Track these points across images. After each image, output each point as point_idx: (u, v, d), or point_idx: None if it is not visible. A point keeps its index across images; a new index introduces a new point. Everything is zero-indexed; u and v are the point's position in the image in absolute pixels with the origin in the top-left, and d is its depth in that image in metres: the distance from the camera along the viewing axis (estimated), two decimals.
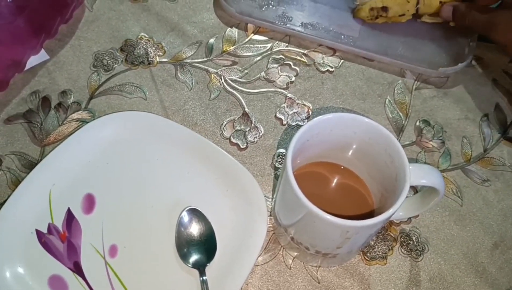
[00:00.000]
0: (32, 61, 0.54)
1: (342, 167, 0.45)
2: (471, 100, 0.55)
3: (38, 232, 0.44)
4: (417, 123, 0.53)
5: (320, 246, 0.41)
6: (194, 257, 0.43)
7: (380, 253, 0.46)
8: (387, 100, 0.55)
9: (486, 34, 0.51)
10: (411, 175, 0.38)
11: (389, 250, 0.46)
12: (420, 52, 0.58)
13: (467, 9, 0.53)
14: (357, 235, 0.39)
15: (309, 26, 0.59)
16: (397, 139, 0.51)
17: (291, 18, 0.59)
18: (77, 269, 0.43)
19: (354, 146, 0.42)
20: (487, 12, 0.51)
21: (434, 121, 0.54)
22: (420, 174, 0.39)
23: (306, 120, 0.52)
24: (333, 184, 0.45)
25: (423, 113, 0.54)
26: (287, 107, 0.53)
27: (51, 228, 0.45)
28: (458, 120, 0.54)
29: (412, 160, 0.51)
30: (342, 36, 0.58)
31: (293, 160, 0.39)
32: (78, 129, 0.50)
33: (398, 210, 0.37)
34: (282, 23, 0.59)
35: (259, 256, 0.45)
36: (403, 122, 0.53)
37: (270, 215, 0.47)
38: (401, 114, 0.54)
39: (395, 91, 0.55)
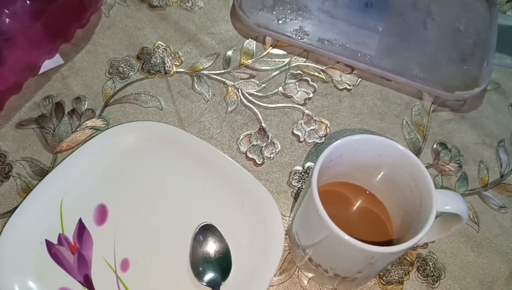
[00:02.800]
0: (47, 65, 0.52)
1: (367, 192, 0.43)
2: (488, 125, 0.54)
3: (48, 243, 0.42)
4: (434, 146, 0.52)
5: (340, 269, 0.39)
6: (209, 275, 0.41)
7: (397, 278, 0.44)
8: (404, 120, 0.53)
9: None
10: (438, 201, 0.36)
11: (405, 274, 0.44)
12: (436, 73, 0.56)
13: None
14: (381, 261, 0.37)
15: (326, 41, 0.57)
16: None
17: (308, 33, 0.58)
18: (87, 283, 0.41)
19: (380, 170, 0.40)
20: None
21: (451, 145, 0.52)
22: (445, 200, 0.37)
23: (323, 137, 0.51)
24: (355, 207, 0.43)
25: (440, 136, 0.53)
26: (304, 123, 0.51)
27: (61, 239, 0.42)
28: (475, 144, 0.53)
29: None
30: (359, 54, 0.57)
31: (319, 177, 0.37)
32: (92, 137, 0.47)
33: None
34: (299, 37, 0.57)
35: (274, 276, 0.43)
36: (421, 144, 0.52)
37: (286, 234, 0.44)
38: (418, 135, 0.52)
39: (413, 112, 0.54)
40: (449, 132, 0.53)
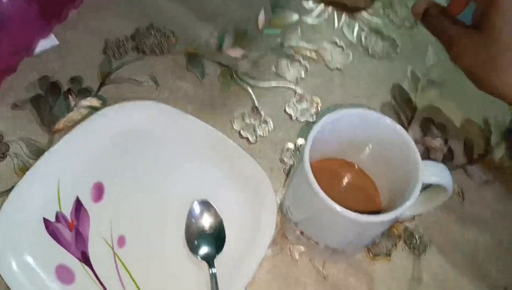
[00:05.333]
0: (41, 45, 0.50)
1: (356, 167, 0.42)
2: (475, 101, 0.53)
3: (45, 221, 0.41)
4: (422, 122, 0.51)
5: (330, 240, 0.39)
6: (203, 250, 0.40)
7: (384, 250, 0.44)
8: (393, 99, 0.52)
9: (446, 49, 0.40)
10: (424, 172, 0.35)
11: (393, 246, 0.44)
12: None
13: (438, 14, 0.40)
14: (370, 230, 0.36)
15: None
16: None
17: None
18: (85, 259, 0.40)
19: (370, 145, 0.40)
20: (455, 25, 0.39)
21: (438, 121, 0.51)
22: (431, 172, 0.37)
23: (315, 115, 0.49)
24: (344, 183, 0.42)
25: (427, 112, 0.52)
26: (296, 102, 0.50)
27: (59, 217, 0.41)
28: (461, 120, 0.52)
29: None
30: None
31: (310, 154, 0.36)
32: (88, 116, 0.46)
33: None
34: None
35: (267, 249, 0.42)
36: (409, 119, 0.51)
37: (279, 209, 0.44)
38: (406, 113, 0.51)
39: (402, 90, 0.53)
40: (436, 109, 0.52)
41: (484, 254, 0.45)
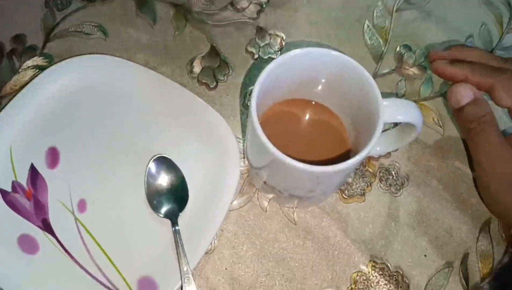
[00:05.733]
0: None
1: (313, 102, 0.39)
2: (455, 21, 0.48)
3: (1, 191, 0.40)
4: (398, 49, 0.46)
5: (292, 190, 0.36)
6: (165, 207, 0.39)
7: (358, 191, 0.41)
8: (365, 25, 0.47)
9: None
10: (386, 112, 0.32)
11: (367, 186, 0.42)
12: None
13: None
14: (329, 179, 0.34)
15: None
16: (376, 67, 0.45)
17: None
18: (46, 227, 0.39)
19: (323, 80, 0.36)
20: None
21: (416, 46, 0.47)
22: (396, 110, 0.33)
23: (279, 52, 0.45)
24: (305, 122, 0.39)
25: (404, 38, 0.47)
26: (258, 38, 0.46)
27: (15, 186, 0.40)
28: (441, 43, 0.47)
29: (391, 91, 0.44)
30: None
31: (259, 104, 0.33)
32: (35, 77, 0.43)
33: (374, 146, 0.32)
34: None
35: (233, 200, 0.40)
36: (383, 48, 0.46)
37: (244, 157, 0.41)
38: (380, 40, 0.47)
39: (374, 15, 0.47)
40: (413, 33, 0.47)
41: (464, 186, 0.42)
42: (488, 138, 0.37)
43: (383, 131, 0.32)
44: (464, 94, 0.38)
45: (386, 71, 0.45)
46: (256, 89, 0.32)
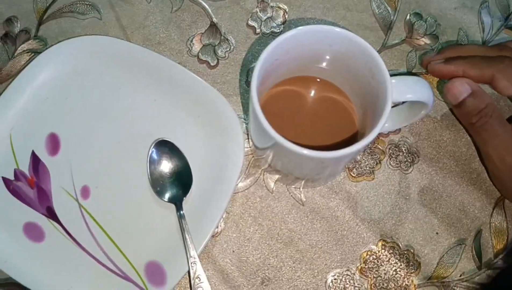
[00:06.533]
0: None
1: (318, 80, 0.36)
2: None
3: (5, 180, 0.39)
4: (408, 18, 0.43)
5: (298, 173, 0.35)
6: (169, 192, 0.38)
7: (367, 169, 0.40)
8: None
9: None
10: (394, 90, 0.30)
11: (376, 164, 0.40)
12: None
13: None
14: (335, 163, 0.32)
15: None
16: (385, 38, 0.43)
17: None
18: (51, 214, 0.38)
19: (328, 57, 0.34)
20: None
21: (427, 13, 0.44)
22: (405, 89, 0.32)
23: (281, 25, 0.43)
24: (310, 99, 0.37)
25: (414, 5, 0.44)
26: (260, 12, 0.43)
27: (17, 174, 0.39)
28: (454, 9, 0.44)
29: (401, 62, 0.42)
30: None
31: (260, 85, 0.31)
32: (31, 61, 0.41)
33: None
34: None
35: (238, 182, 0.39)
36: (392, 17, 0.43)
37: (248, 138, 0.40)
38: (389, 8, 0.44)
39: None
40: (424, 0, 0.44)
41: (477, 161, 0.40)
42: (493, 130, 0.35)
43: (392, 107, 0.30)
44: (461, 88, 0.36)
45: (395, 42, 0.43)
46: (256, 71, 0.30)
